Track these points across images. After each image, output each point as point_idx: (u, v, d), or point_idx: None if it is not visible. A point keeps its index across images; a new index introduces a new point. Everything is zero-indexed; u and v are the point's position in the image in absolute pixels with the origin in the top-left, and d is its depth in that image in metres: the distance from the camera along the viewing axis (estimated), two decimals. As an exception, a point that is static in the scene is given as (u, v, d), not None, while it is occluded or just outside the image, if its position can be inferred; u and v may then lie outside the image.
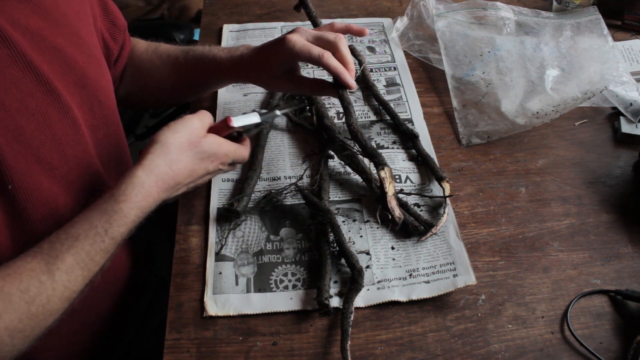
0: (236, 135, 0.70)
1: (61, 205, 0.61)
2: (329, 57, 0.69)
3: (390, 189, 0.70)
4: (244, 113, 0.69)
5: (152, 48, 0.84)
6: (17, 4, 0.57)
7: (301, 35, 0.71)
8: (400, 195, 0.76)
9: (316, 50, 0.69)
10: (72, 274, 0.54)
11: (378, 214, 0.72)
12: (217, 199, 0.77)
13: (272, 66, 0.74)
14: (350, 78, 0.70)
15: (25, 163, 0.56)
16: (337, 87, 0.73)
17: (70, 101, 0.62)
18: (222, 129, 0.67)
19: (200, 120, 0.66)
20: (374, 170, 0.75)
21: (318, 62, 0.69)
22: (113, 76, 0.79)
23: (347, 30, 0.76)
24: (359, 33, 0.77)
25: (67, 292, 0.54)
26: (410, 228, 0.72)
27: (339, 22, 0.76)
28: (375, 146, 0.85)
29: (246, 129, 0.70)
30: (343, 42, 0.71)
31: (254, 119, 0.69)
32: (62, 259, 0.54)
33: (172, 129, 0.63)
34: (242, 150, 0.69)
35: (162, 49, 0.83)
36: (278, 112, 0.73)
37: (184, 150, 0.62)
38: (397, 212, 0.69)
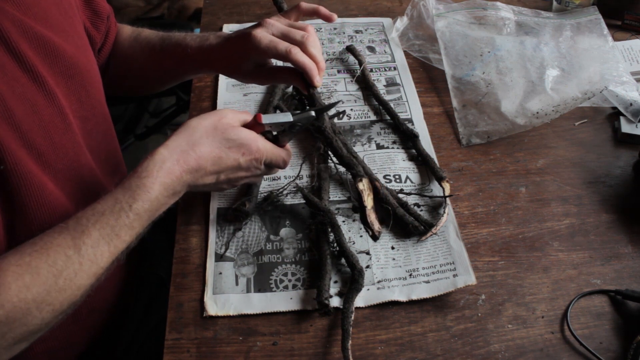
0: (272, 139, 0.68)
1: (50, 193, 0.61)
2: (296, 53, 0.67)
3: (368, 201, 0.69)
4: (278, 113, 0.67)
5: (135, 35, 0.83)
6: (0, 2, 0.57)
7: (267, 29, 0.69)
8: (400, 195, 0.76)
9: (283, 45, 0.67)
10: (98, 248, 0.55)
11: (359, 219, 0.71)
12: (217, 198, 0.77)
13: (240, 62, 0.73)
14: (316, 75, 0.68)
15: (16, 146, 0.56)
16: (307, 85, 0.70)
17: (56, 90, 0.62)
18: (252, 126, 0.66)
19: (234, 112, 0.66)
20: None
21: (285, 58, 0.67)
22: (98, 64, 0.79)
23: (314, 12, 0.74)
24: (327, 18, 0.74)
25: (93, 266, 0.55)
26: (410, 228, 0.72)
27: (306, 4, 0.74)
28: (377, 145, 0.85)
29: (279, 128, 0.67)
30: (311, 39, 0.69)
31: (286, 118, 0.66)
32: (87, 233, 0.55)
33: (201, 115, 0.64)
34: (280, 152, 0.67)
35: (143, 36, 0.83)
36: (313, 114, 0.67)
37: (208, 134, 0.62)
38: (377, 226, 0.68)
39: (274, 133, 0.68)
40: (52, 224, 0.59)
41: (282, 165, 0.69)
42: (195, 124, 0.63)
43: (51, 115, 0.61)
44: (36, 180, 0.58)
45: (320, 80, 0.69)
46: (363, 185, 0.69)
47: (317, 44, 0.69)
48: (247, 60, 0.72)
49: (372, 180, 0.71)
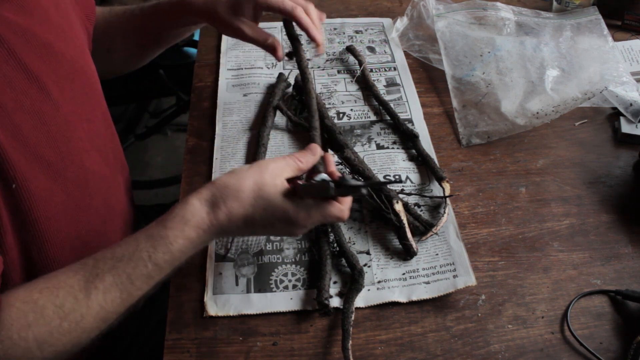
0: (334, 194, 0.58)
1: (58, 203, 0.61)
2: (301, 11, 0.73)
3: (406, 220, 0.70)
4: (322, 178, 0.59)
5: (107, 10, 0.84)
6: (3, 3, 0.57)
7: None
8: (401, 195, 0.76)
9: (289, 2, 0.73)
10: (110, 294, 0.53)
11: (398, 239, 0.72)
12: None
13: (240, 7, 0.75)
14: (318, 33, 0.75)
15: (25, 161, 0.56)
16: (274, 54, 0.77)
17: (60, 97, 0.62)
18: (294, 189, 0.58)
19: (277, 163, 0.59)
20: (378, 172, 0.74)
21: (289, 14, 0.73)
22: None
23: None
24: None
25: (102, 312, 0.53)
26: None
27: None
28: (377, 145, 0.85)
29: (322, 196, 0.58)
30: (312, 8, 0.76)
31: (326, 193, 0.57)
32: (101, 278, 0.53)
33: (244, 166, 0.59)
34: (332, 211, 0.59)
35: (118, 8, 0.83)
36: (364, 192, 0.57)
37: (244, 190, 0.57)
38: (415, 244, 0.70)
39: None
40: (62, 238, 0.58)
41: (340, 220, 0.61)
42: (234, 176, 0.58)
43: (58, 124, 0.61)
44: (45, 193, 0.58)
45: (320, 36, 0.75)
46: (400, 206, 0.70)
47: (315, 14, 0.77)
48: (248, 5, 0.75)
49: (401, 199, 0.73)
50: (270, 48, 0.77)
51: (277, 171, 0.59)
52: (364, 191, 0.57)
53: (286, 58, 0.84)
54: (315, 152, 0.63)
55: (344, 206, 0.60)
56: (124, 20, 0.82)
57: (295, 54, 0.81)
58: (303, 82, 0.81)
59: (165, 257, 0.55)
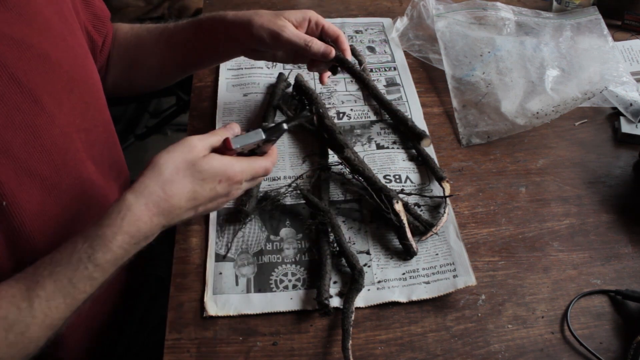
0: (256, 148, 0.64)
1: (52, 216, 0.60)
2: (343, 35, 0.81)
3: (406, 220, 0.70)
4: (248, 131, 0.63)
5: (138, 26, 0.83)
6: (1, 13, 0.56)
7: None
8: (401, 195, 0.76)
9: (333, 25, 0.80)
10: (53, 301, 0.51)
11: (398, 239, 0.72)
12: (217, 199, 0.77)
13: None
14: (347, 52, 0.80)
15: (15, 177, 0.55)
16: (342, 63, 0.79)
17: (56, 109, 0.61)
18: (224, 150, 0.62)
19: (201, 139, 0.60)
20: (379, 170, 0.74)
21: (339, 33, 0.80)
22: (99, 65, 0.78)
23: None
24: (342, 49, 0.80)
25: (48, 319, 0.51)
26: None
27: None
28: (377, 145, 0.85)
29: (252, 147, 0.63)
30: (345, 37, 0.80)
31: (257, 137, 0.62)
32: (42, 285, 0.51)
33: (167, 149, 0.59)
34: (260, 163, 0.63)
35: (151, 24, 0.82)
36: (285, 126, 0.64)
37: (179, 171, 0.57)
38: (415, 243, 0.70)
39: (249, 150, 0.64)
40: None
41: (266, 173, 0.65)
42: (163, 161, 0.57)
43: (53, 137, 0.60)
44: (38, 207, 0.58)
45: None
46: (400, 206, 0.70)
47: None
48: (296, 16, 0.76)
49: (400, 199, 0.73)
50: (317, 50, 0.75)
51: (203, 142, 0.60)
52: (285, 126, 0.64)
53: (330, 74, 0.83)
54: (231, 128, 0.64)
55: (270, 158, 0.65)
56: (156, 34, 0.81)
57: (343, 62, 0.79)
58: (367, 86, 0.79)
59: (106, 256, 0.53)
